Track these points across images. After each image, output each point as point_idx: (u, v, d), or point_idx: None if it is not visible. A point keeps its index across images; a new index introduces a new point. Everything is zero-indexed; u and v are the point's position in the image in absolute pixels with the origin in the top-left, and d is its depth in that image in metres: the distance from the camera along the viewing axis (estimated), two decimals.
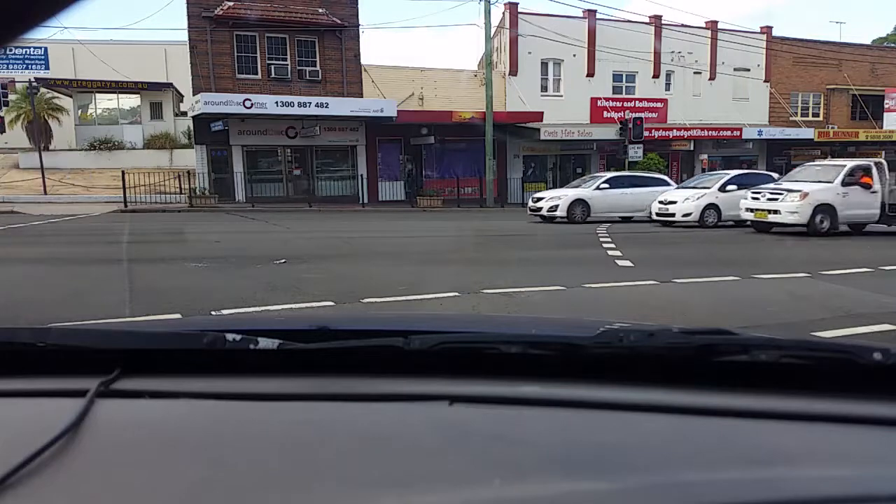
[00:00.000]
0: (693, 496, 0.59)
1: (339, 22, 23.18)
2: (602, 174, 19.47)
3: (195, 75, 21.91)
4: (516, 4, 25.92)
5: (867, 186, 13.26)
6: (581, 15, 26.52)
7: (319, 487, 0.62)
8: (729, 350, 0.85)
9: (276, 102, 20.80)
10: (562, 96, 26.88)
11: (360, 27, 23.92)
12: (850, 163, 14.11)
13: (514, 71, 26.08)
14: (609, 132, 25.52)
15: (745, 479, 0.62)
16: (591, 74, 27.13)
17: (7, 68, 28.83)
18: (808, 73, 30.65)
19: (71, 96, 27.73)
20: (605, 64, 26.99)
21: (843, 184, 13.10)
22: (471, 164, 25.00)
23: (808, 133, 28.20)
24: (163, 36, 34.39)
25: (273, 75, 22.84)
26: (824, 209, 12.91)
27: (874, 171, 13.39)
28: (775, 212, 13.18)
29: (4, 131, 23.37)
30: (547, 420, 0.76)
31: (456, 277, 6.97)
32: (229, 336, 0.89)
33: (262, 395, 0.81)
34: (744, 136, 27.32)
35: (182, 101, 28.76)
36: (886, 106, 30.89)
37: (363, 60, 24.01)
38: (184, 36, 22.59)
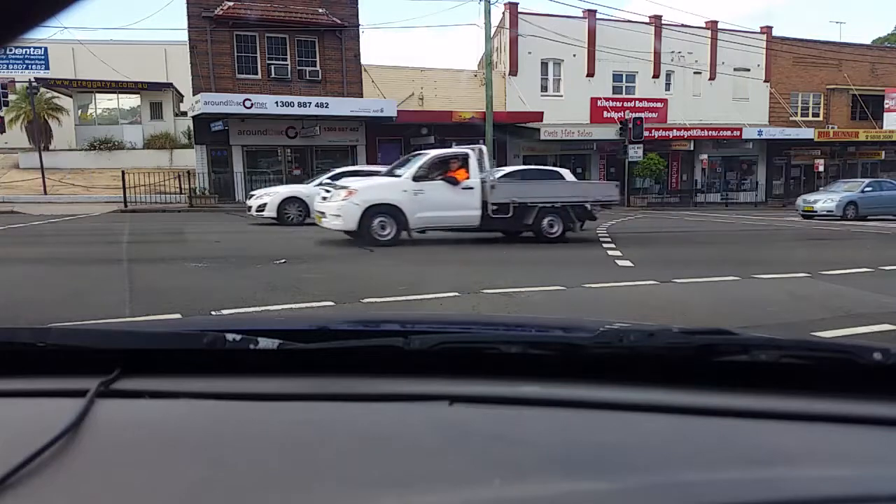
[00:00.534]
0: (693, 496, 0.59)
1: (339, 22, 23.18)
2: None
3: (195, 75, 21.91)
4: (516, 4, 25.92)
5: (454, 182, 10.21)
6: (581, 15, 26.52)
7: (319, 487, 0.62)
8: (729, 350, 0.85)
9: (276, 102, 20.81)
10: (562, 96, 26.88)
11: (360, 27, 23.94)
12: (435, 152, 10.99)
13: (514, 71, 26.08)
14: (609, 132, 25.52)
15: (745, 479, 0.62)
16: (591, 74, 27.13)
17: (7, 68, 28.82)
18: (808, 73, 30.65)
19: (71, 96, 27.73)
20: (605, 64, 26.99)
21: (417, 178, 10.08)
22: None
23: (808, 133, 28.20)
24: (163, 36, 34.42)
25: (273, 75, 22.85)
26: (386, 211, 9.87)
27: (472, 161, 10.39)
28: (323, 214, 10.30)
29: (4, 131, 23.37)
30: (547, 420, 0.76)
31: (456, 277, 6.97)
32: (229, 336, 0.89)
33: (262, 395, 0.81)
34: (744, 136, 27.32)
35: (182, 101, 28.76)
36: (886, 106, 30.88)
37: (363, 60, 24.02)
38: (184, 36, 22.60)
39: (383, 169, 12.78)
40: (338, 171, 15.64)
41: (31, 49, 29.42)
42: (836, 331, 4.47)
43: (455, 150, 11.21)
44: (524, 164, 26.85)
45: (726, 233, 14.74)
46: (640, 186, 27.04)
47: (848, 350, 0.84)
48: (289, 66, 23.08)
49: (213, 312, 4.88)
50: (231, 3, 21.93)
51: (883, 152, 31.23)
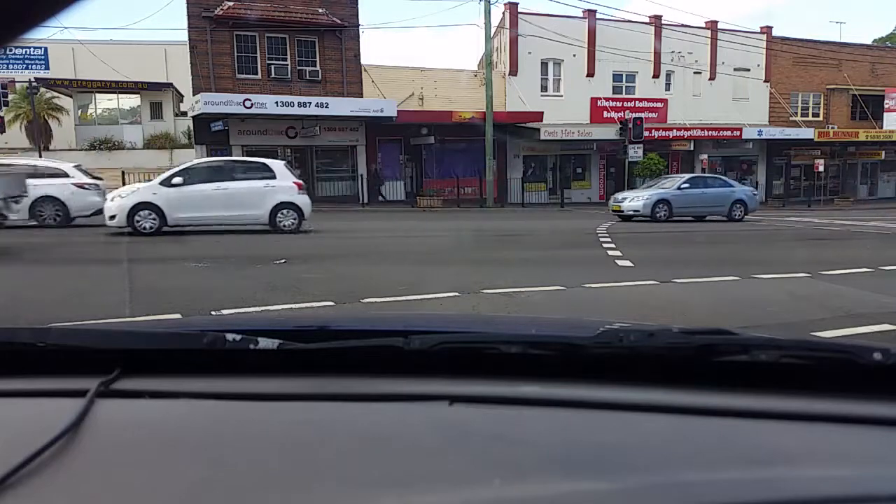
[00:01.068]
0: (693, 496, 0.59)
1: (339, 22, 23.18)
2: None
3: (195, 75, 21.91)
4: (516, 4, 25.93)
5: None
6: (581, 15, 26.54)
7: (319, 487, 0.62)
8: (729, 350, 0.85)
9: (276, 102, 20.81)
10: (562, 96, 26.88)
11: (360, 27, 23.95)
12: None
13: (514, 71, 26.09)
14: (609, 132, 25.52)
15: (745, 479, 0.62)
16: (591, 74, 27.13)
17: (7, 68, 28.80)
18: (808, 73, 30.66)
19: (71, 96, 27.73)
20: (605, 64, 26.99)
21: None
22: (471, 164, 24.99)
23: (808, 133, 28.22)
24: (163, 36, 34.44)
25: (273, 75, 22.85)
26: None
27: None
28: None
29: (4, 131, 23.35)
30: (547, 420, 0.76)
31: (456, 277, 6.97)
32: (229, 336, 0.89)
33: (262, 395, 0.81)
34: (744, 136, 27.32)
35: (182, 101, 28.76)
36: (886, 106, 30.89)
37: (363, 60, 24.02)
38: (184, 36, 22.60)
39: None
40: None
41: (31, 49, 29.39)
42: (836, 331, 4.47)
43: None
44: (523, 164, 26.95)
45: (726, 233, 14.74)
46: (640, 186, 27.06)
47: (848, 350, 0.84)
48: (289, 66, 23.09)
49: (213, 312, 4.88)
50: (231, 3, 21.93)
51: (883, 152, 31.25)
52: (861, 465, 0.67)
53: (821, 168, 28.20)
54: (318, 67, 23.42)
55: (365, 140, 24.00)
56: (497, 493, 0.60)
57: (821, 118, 31.13)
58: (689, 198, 17.69)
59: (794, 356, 0.84)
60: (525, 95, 25.66)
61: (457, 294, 5.80)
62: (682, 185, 17.98)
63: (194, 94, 21.61)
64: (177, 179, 11.66)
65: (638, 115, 25.34)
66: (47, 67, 29.49)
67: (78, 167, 14.20)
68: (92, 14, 58.21)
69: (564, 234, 13.49)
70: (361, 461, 0.66)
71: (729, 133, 27.22)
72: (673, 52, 27.82)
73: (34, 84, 23.43)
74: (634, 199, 17.50)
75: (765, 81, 29.93)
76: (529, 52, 26.12)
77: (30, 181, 11.71)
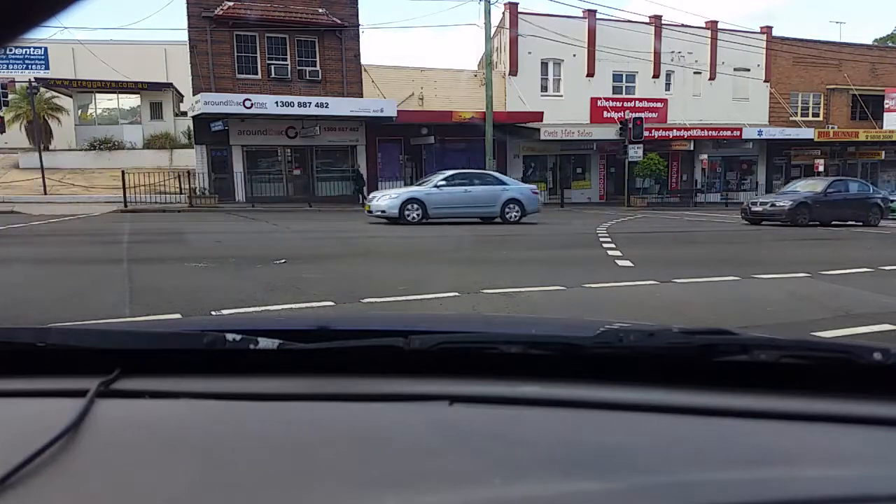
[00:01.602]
0: (693, 496, 0.59)
1: (339, 22, 23.18)
2: None
3: (195, 75, 21.91)
4: (516, 4, 25.93)
5: None
6: (581, 15, 26.53)
7: (319, 487, 0.62)
8: (729, 350, 0.85)
9: (276, 102, 20.81)
10: (562, 96, 26.89)
11: (360, 27, 23.95)
12: None
13: (514, 71, 26.09)
14: (609, 132, 25.53)
15: (744, 479, 0.62)
16: (591, 74, 27.14)
17: (7, 68, 28.83)
18: (808, 73, 30.67)
19: (71, 96, 27.74)
20: (605, 64, 26.99)
21: None
22: (471, 164, 24.96)
23: (808, 133, 28.22)
24: (163, 36, 34.42)
25: (273, 75, 22.85)
26: None
27: None
28: None
29: (4, 131, 23.35)
30: (547, 420, 0.76)
31: (456, 277, 6.97)
32: (229, 336, 0.89)
33: (262, 395, 0.81)
34: (744, 136, 27.33)
35: (182, 101, 28.76)
36: (886, 106, 30.90)
37: (363, 60, 24.03)
38: (184, 36, 22.60)
39: None
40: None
41: (31, 49, 29.42)
42: (836, 331, 4.47)
43: None
44: (523, 164, 26.94)
45: (726, 233, 14.74)
46: (640, 186, 27.07)
47: (848, 350, 0.84)
48: (289, 66, 23.09)
49: (213, 312, 4.88)
50: (231, 3, 21.93)
51: (883, 152, 31.25)
52: (861, 465, 0.67)
53: (821, 168, 28.20)
54: (318, 67, 23.42)
55: (365, 140, 24.00)
56: (497, 493, 0.60)
57: (821, 118, 31.13)
58: (448, 197, 15.22)
59: (794, 356, 0.84)
60: (525, 95, 25.67)
61: (457, 294, 5.80)
62: (440, 183, 15.44)
63: (194, 94, 21.62)
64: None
65: (638, 115, 25.35)
66: (47, 67, 29.51)
67: None
68: (92, 14, 58.20)
69: (564, 235, 13.48)
70: (361, 461, 0.66)
71: (729, 133, 27.23)
72: (673, 52, 27.82)
73: (34, 84, 23.42)
74: (382, 198, 15.30)
75: (765, 81, 29.94)
76: (529, 52, 26.12)
77: None
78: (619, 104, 27.17)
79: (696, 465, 0.66)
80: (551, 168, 27.79)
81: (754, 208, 17.12)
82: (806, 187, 17.70)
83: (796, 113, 30.88)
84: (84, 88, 27.34)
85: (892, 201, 19.10)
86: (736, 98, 29.37)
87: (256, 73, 22.79)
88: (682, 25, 28.16)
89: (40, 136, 24.20)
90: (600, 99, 27.14)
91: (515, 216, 15.89)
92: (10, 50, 22.44)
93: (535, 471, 0.64)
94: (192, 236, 12.06)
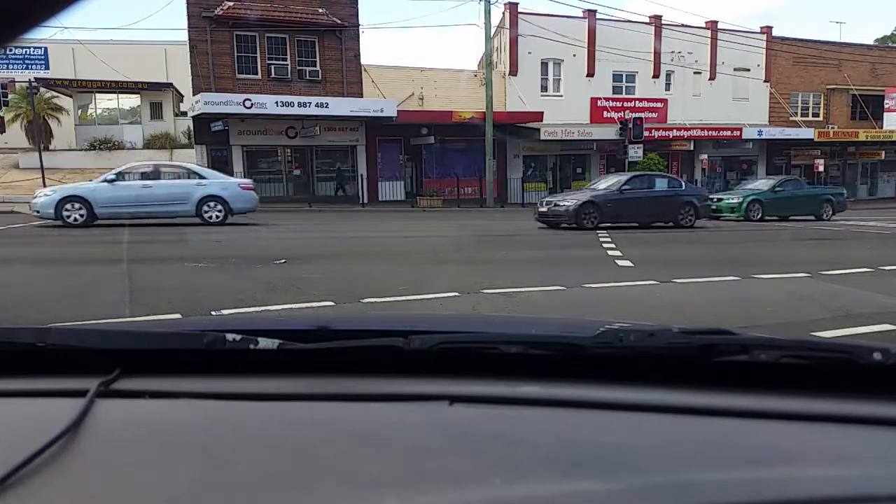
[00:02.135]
0: (693, 496, 0.59)
1: (339, 22, 23.18)
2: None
3: (195, 75, 21.91)
4: (516, 4, 25.93)
5: None
6: (581, 15, 26.53)
7: (319, 487, 0.62)
8: (729, 350, 0.85)
9: (276, 102, 20.80)
10: (562, 96, 26.88)
11: (360, 27, 23.96)
12: None
13: (514, 71, 26.09)
14: (609, 132, 25.52)
15: (744, 479, 0.62)
16: (591, 74, 27.13)
17: (7, 68, 28.80)
18: (808, 73, 30.67)
19: (71, 96, 27.72)
20: (605, 64, 26.99)
21: None
22: (471, 164, 25.00)
23: (808, 133, 28.21)
24: (163, 36, 34.37)
25: (273, 75, 22.85)
26: None
27: None
28: None
29: (4, 131, 23.33)
30: (547, 420, 0.76)
31: (456, 277, 6.97)
32: (229, 336, 0.89)
33: (262, 395, 0.81)
34: (744, 136, 27.32)
35: (182, 101, 28.75)
36: (886, 106, 30.90)
37: (363, 60, 24.02)
38: (184, 36, 22.60)
39: None
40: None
41: (31, 49, 29.39)
42: (836, 331, 4.47)
43: None
44: (523, 164, 26.94)
45: (726, 233, 14.74)
46: None
47: (848, 350, 0.84)
48: (289, 66, 23.09)
49: (213, 312, 4.88)
50: (231, 3, 21.93)
51: (883, 152, 31.24)
52: (861, 465, 0.67)
53: (821, 168, 28.20)
54: (318, 67, 23.42)
55: (365, 140, 24.00)
56: (497, 493, 0.60)
57: (821, 118, 31.13)
58: (123, 193, 13.52)
59: (793, 356, 0.84)
60: (525, 95, 25.66)
61: (457, 294, 5.80)
62: (110, 177, 13.75)
63: (194, 94, 21.61)
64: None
65: (638, 115, 25.34)
66: (47, 67, 29.48)
67: None
68: (92, 14, 58.20)
69: (564, 235, 13.48)
70: (361, 461, 0.66)
71: (729, 133, 27.22)
72: (673, 52, 27.82)
73: (34, 84, 23.40)
74: (40, 196, 13.63)
75: (765, 81, 29.93)
76: (529, 52, 26.12)
77: None
78: (619, 104, 27.16)
79: (696, 465, 0.66)
80: (551, 168, 27.79)
81: (540, 209, 14.88)
82: (604, 185, 15.69)
83: (796, 113, 30.88)
84: (84, 88, 27.32)
85: (712, 200, 17.94)
86: (736, 98, 29.36)
87: (256, 73, 22.79)
88: (682, 25, 28.16)
89: (40, 136, 24.18)
90: (600, 99, 27.14)
91: (218, 216, 13.97)
92: (10, 50, 22.44)
93: (535, 471, 0.64)
94: (192, 236, 12.06)
